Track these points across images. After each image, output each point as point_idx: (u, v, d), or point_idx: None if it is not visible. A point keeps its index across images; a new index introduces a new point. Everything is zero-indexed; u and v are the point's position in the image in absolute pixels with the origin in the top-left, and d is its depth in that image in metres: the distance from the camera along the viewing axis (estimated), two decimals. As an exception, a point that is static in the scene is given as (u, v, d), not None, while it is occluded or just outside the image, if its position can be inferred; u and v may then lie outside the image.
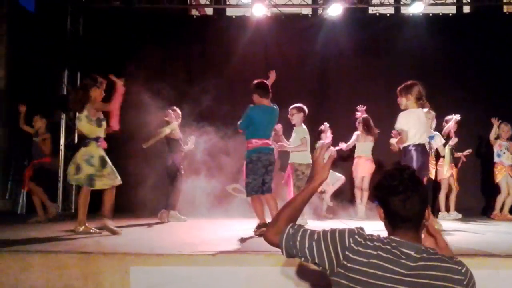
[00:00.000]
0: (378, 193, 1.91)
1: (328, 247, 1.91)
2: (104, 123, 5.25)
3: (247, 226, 5.40)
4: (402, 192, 1.83)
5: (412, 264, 1.77)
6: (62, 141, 8.83)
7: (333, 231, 1.95)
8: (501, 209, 7.44)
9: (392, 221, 1.89)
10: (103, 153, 5.17)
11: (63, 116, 8.84)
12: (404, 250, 1.81)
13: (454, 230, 5.66)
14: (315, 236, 1.96)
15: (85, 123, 5.11)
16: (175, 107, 7.14)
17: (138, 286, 3.31)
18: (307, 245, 1.94)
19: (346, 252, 1.86)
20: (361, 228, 1.94)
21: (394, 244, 1.84)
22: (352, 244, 1.87)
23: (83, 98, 5.11)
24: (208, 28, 9.10)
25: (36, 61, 8.36)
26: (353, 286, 1.82)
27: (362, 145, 7.45)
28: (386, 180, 1.89)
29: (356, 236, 1.89)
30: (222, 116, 7.87)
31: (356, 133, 7.49)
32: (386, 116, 7.13)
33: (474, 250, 3.88)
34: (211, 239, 4.65)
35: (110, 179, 5.12)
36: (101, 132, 5.21)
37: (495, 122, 7.58)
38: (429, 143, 6.22)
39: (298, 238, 1.97)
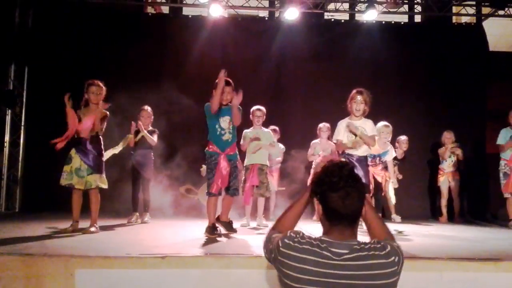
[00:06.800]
0: (318, 189, 1.88)
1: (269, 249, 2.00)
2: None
3: (201, 228, 5.34)
4: (342, 189, 1.81)
5: (342, 263, 1.77)
6: (7, 138, 8.44)
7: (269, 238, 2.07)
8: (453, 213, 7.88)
9: (330, 218, 1.87)
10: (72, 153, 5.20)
11: (9, 112, 8.46)
12: (335, 250, 1.79)
13: (400, 233, 5.82)
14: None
15: None
16: (146, 106, 6.84)
17: (83, 290, 3.21)
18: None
19: (278, 255, 1.89)
20: (294, 232, 1.93)
21: (324, 245, 1.83)
22: (282, 248, 1.88)
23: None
24: (164, 27, 8.95)
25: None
26: (284, 280, 1.86)
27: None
28: (326, 176, 1.86)
29: (286, 240, 1.89)
30: (177, 116, 7.75)
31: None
32: (338, 119, 7.25)
33: (418, 252, 3.99)
34: (162, 241, 4.57)
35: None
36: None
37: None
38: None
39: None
